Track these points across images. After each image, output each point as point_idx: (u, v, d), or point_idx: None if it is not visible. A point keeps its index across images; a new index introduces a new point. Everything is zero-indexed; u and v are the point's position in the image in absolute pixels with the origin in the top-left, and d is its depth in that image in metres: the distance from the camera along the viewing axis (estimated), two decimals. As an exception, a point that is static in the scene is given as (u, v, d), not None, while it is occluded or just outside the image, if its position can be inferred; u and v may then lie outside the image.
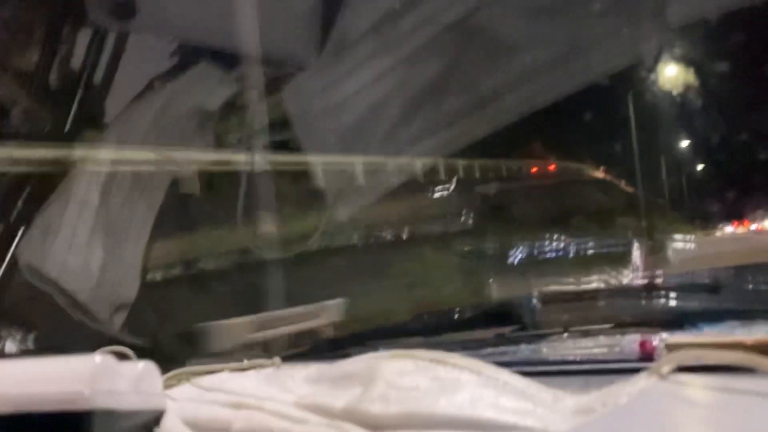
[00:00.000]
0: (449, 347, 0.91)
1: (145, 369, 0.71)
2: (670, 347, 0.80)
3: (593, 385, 0.74)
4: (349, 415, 0.67)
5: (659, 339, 0.84)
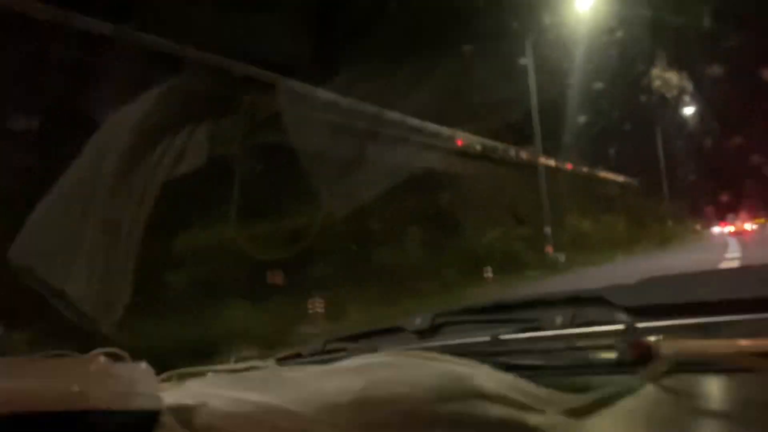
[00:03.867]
0: (446, 348, 0.91)
1: (139, 370, 0.71)
2: (666, 348, 0.80)
3: (589, 385, 0.74)
4: (347, 416, 0.67)
5: (656, 339, 0.84)
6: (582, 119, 22.52)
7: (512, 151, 20.41)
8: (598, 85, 21.25)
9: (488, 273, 12.26)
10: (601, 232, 22.64)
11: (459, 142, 16.89)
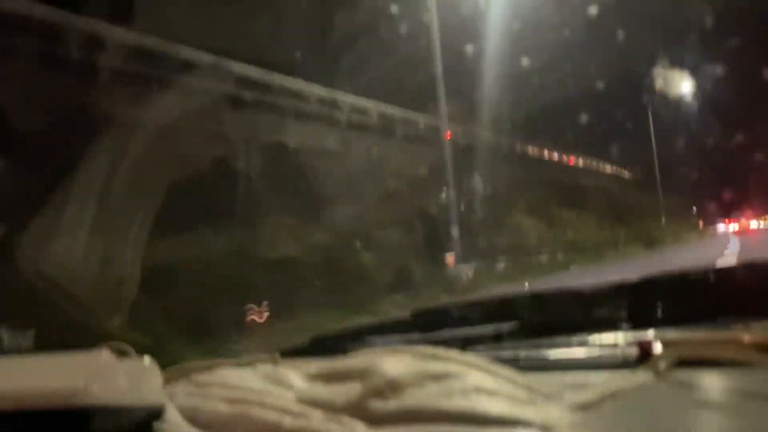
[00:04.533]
0: (448, 343, 0.91)
1: (144, 365, 0.71)
2: (668, 344, 0.81)
3: (592, 381, 0.74)
4: (349, 411, 0.67)
5: (657, 336, 0.84)
6: (556, 97, 17.51)
7: (411, 120, 13.80)
8: (573, 56, 16.93)
9: (259, 314, 6.31)
10: (558, 232, 16.50)
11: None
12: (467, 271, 10.94)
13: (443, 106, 12.23)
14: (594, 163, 25.62)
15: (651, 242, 20.72)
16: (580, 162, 23.78)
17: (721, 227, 35.51)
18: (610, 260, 15.30)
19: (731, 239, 22.38)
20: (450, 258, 11.03)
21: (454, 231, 11.03)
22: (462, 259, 11.06)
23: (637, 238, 20.69)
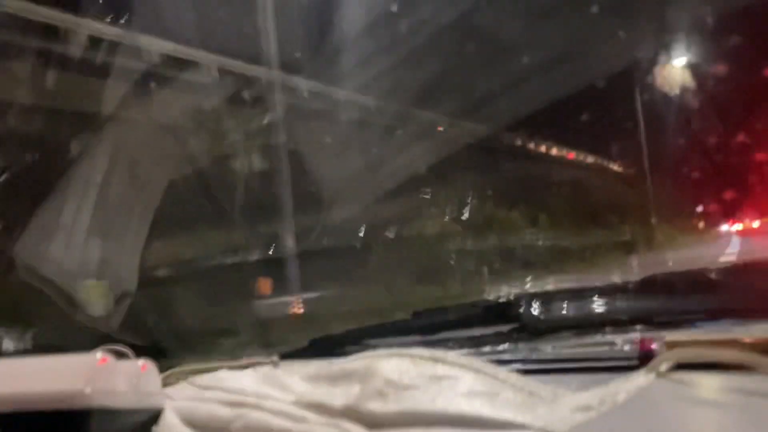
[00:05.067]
0: (447, 345, 0.91)
1: (143, 368, 0.71)
2: (669, 345, 0.80)
3: (592, 383, 0.74)
4: (348, 414, 0.67)
5: (658, 337, 0.84)
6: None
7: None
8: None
9: None
10: (492, 240, 10.42)
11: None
12: (289, 306, 6.04)
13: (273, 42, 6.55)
14: (568, 151, 21.33)
15: (632, 249, 17.48)
16: (550, 150, 20.19)
17: (724, 228, 33.83)
18: (567, 275, 12.15)
19: (733, 240, 21.10)
20: (264, 285, 6.23)
21: (289, 241, 6.49)
22: (298, 286, 6.38)
23: (617, 245, 17.14)
